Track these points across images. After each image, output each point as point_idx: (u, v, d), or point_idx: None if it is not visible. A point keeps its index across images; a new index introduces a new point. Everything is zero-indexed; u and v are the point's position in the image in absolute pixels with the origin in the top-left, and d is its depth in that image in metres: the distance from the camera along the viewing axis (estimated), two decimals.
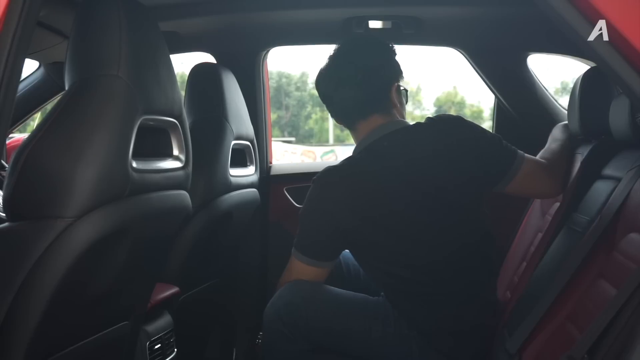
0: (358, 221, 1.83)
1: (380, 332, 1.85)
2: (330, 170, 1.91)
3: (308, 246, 1.89)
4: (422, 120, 1.97)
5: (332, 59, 1.95)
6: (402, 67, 1.97)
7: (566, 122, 2.15)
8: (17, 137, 2.98)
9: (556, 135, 2.10)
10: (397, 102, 1.95)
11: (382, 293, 1.97)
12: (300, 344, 1.87)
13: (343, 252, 2.12)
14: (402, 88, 1.97)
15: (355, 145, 1.95)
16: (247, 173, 2.43)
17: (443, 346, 1.84)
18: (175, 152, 1.65)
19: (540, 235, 2.01)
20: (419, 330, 1.85)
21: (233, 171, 2.27)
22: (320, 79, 1.97)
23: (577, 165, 1.90)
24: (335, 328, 1.86)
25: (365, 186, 1.84)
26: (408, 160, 1.85)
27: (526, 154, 1.91)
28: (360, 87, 1.89)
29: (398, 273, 1.85)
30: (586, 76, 1.92)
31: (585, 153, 1.87)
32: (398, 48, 2.00)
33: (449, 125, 1.89)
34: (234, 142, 2.26)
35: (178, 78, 1.66)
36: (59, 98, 1.44)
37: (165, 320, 1.93)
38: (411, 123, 1.94)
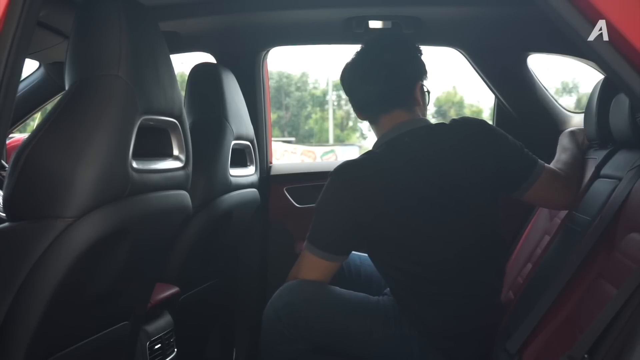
0: (374, 216, 1.84)
1: (381, 333, 1.85)
2: (349, 165, 1.92)
3: (323, 239, 1.88)
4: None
5: (359, 54, 1.98)
6: (427, 67, 1.99)
7: (572, 129, 2.14)
8: (17, 137, 2.98)
9: (566, 144, 2.09)
10: (420, 101, 1.97)
11: (385, 291, 1.97)
12: (300, 344, 1.87)
13: None
14: (425, 89, 1.99)
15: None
16: (247, 173, 2.43)
17: (445, 346, 1.84)
18: (175, 152, 1.65)
19: (547, 237, 2.00)
20: (422, 330, 1.85)
21: (233, 171, 2.27)
22: (345, 73, 2.00)
23: (591, 169, 1.89)
24: (336, 328, 1.86)
25: (383, 182, 1.84)
26: (426, 157, 1.86)
27: (546, 164, 1.92)
28: (384, 83, 1.91)
29: (409, 269, 1.85)
30: (605, 82, 1.90)
31: (600, 158, 1.86)
32: None
33: (470, 127, 1.91)
34: (234, 142, 2.26)
35: (178, 78, 1.66)
36: (59, 98, 1.44)
37: (165, 320, 1.93)
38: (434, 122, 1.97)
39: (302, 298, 1.86)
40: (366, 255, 2.21)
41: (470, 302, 1.86)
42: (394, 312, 1.88)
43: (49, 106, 2.68)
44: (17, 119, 2.65)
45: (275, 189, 2.81)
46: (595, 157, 1.91)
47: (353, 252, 2.14)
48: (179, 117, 1.62)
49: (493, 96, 2.80)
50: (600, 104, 1.86)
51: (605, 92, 1.84)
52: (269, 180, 2.80)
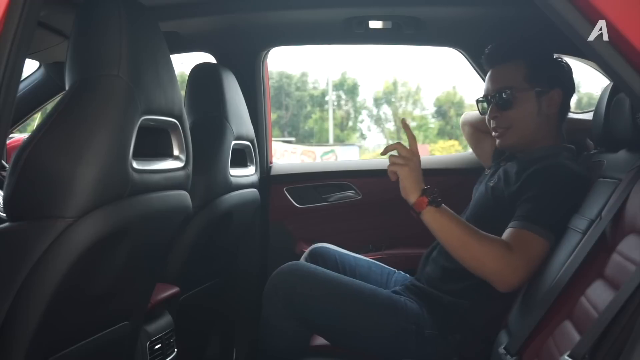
0: None
1: (375, 319, 1.90)
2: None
3: (554, 223, 1.76)
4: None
5: None
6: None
7: None
8: (17, 137, 2.98)
9: None
10: None
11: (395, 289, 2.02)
12: (295, 320, 1.92)
13: (339, 252, 2.21)
14: None
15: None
16: (247, 173, 2.44)
17: (445, 346, 1.84)
18: (176, 152, 1.65)
19: None
20: (418, 325, 1.86)
21: (233, 171, 2.27)
22: None
23: (592, 169, 1.88)
24: (331, 309, 1.90)
25: None
26: None
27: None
28: None
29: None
30: (613, 87, 1.88)
31: (606, 161, 1.84)
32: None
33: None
34: (234, 142, 2.26)
35: (178, 78, 1.66)
36: (59, 98, 1.44)
37: (165, 320, 1.93)
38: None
39: (298, 276, 1.91)
40: (361, 256, 2.25)
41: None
42: (390, 302, 1.92)
43: (49, 106, 2.69)
44: (17, 119, 2.65)
45: (275, 189, 2.81)
46: (604, 159, 1.90)
47: (348, 252, 2.23)
48: (179, 117, 1.62)
49: None
50: (608, 110, 1.84)
51: (613, 97, 1.81)
52: (269, 180, 2.81)
